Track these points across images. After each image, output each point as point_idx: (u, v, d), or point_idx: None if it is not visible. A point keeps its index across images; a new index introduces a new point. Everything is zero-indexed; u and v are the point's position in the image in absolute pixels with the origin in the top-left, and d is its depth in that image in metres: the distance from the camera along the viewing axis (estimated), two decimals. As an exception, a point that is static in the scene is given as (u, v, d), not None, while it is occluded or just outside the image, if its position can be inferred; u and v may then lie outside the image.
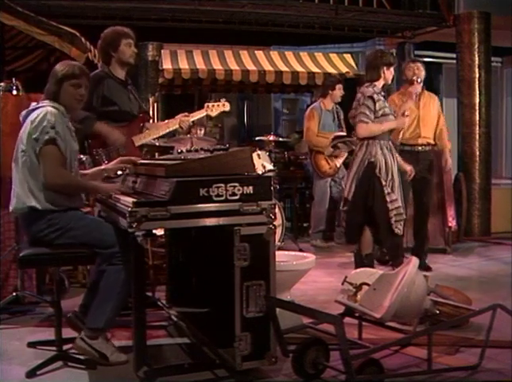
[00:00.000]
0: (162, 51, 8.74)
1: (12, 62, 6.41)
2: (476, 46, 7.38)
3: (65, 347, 3.16)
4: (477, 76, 7.40)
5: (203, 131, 7.25)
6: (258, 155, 5.78)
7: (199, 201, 2.71)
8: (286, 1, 7.40)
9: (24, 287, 4.19)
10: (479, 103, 7.41)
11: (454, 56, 7.81)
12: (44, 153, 3.01)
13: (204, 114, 4.41)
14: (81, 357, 3.11)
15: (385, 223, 4.52)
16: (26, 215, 3.09)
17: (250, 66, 8.68)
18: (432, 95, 5.60)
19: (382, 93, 4.70)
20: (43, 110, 3.06)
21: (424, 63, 5.59)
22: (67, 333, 3.21)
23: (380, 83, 4.71)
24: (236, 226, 2.75)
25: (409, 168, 4.90)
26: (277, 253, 3.03)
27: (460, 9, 7.68)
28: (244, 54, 8.95)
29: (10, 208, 3.16)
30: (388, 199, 4.50)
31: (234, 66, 8.64)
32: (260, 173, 5.47)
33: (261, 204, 2.79)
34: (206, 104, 4.43)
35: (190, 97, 9.36)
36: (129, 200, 2.75)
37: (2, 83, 4.48)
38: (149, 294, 4.12)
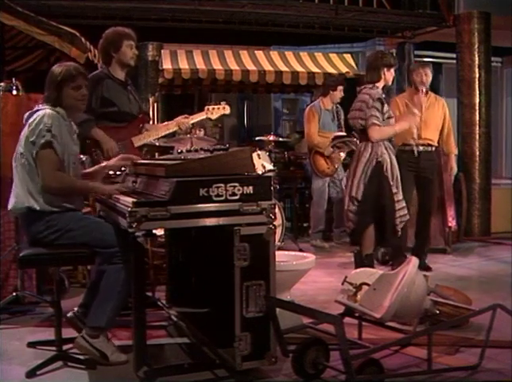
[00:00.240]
0: (162, 51, 8.74)
1: (12, 62, 6.41)
2: (476, 46, 7.37)
3: (65, 347, 3.16)
4: (477, 75, 7.40)
5: (202, 131, 7.25)
6: (258, 155, 5.77)
7: (199, 201, 2.71)
8: (286, 1, 7.40)
9: (24, 287, 4.18)
10: (479, 103, 7.41)
11: (454, 56, 7.81)
12: (40, 157, 3.02)
13: (204, 116, 4.41)
14: (81, 357, 3.11)
15: (392, 222, 4.56)
16: (25, 215, 3.09)
17: (250, 66, 8.69)
18: (438, 98, 5.57)
19: (383, 95, 4.71)
20: (41, 113, 3.07)
21: (425, 63, 5.59)
22: (67, 333, 3.21)
23: (380, 85, 4.72)
24: (236, 226, 2.75)
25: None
26: (277, 253, 3.03)
27: (460, 9, 7.68)
28: (244, 54, 8.95)
29: (9, 207, 3.16)
30: (395, 198, 4.56)
31: (234, 66, 8.64)
32: (260, 173, 5.47)
33: (261, 204, 2.79)
34: (206, 107, 4.43)
35: (190, 97, 9.37)
36: (129, 200, 2.75)
37: (2, 83, 4.48)
38: (149, 294, 4.12)
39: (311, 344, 2.97)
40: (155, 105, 8.20)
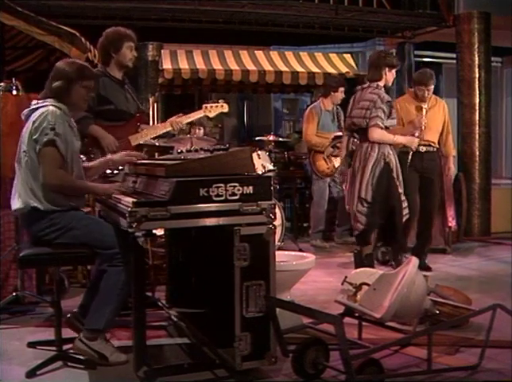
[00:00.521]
0: (162, 51, 8.73)
1: (12, 62, 6.41)
2: (476, 46, 7.37)
3: (65, 347, 3.16)
4: (477, 76, 7.39)
5: (202, 131, 7.25)
6: (258, 155, 5.77)
7: (199, 201, 2.71)
8: (286, 1, 7.39)
9: (24, 287, 4.18)
10: (479, 103, 7.41)
11: (454, 56, 7.81)
12: (43, 155, 3.02)
13: (202, 114, 4.40)
14: (81, 357, 3.10)
15: (400, 223, 4.60)
16: (27, 214, 3.09)
17: (250, 66, 8.69)
18: (439, 100, 5.57)
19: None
20: (44, 110, 3.06)
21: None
22: (67, 333, 3.21)
23: (381, 84, 4.72)
24: (236, 226, 2.75)
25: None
26: (277, 253, 3.03)
27: (460, 9, 7.67)
28: (244, 54, 8.95)
29: (12, 208, 3.16)
30: (402, 198, 4.61)
31: (234, 66, 8.64)
32: (260, 173, 5.47)
33: (261, 204, 2.79)
34: (204, 105, 4.41)
35: (190, 97, 9.36)
36: (129, 200, 2.75)
37: (2, 83, 4.48)
38: (149, 294, 4.12)
39: (311, 344, 2.97)
40: (155, 105, 8.19)
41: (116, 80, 4.07)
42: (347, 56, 9.32)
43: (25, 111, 3.17)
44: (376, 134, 4.55)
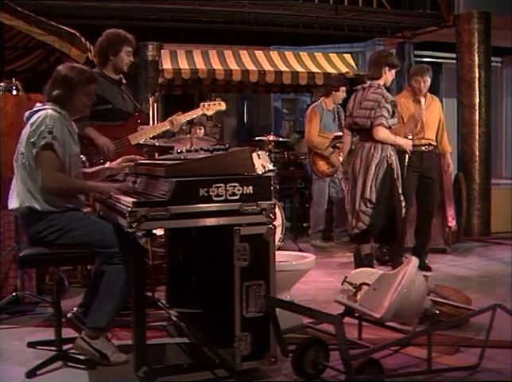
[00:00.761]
0: (162, 51, 8.73)
1: (12, 62, 6.41)
2: (476, 46, 7.37)
3: (65, 347, 3.16)
4: (477, 76, 7.39)
5: (203, 131, 7.24)
6: (258, 155, 5.77)
7: (199, 201, 2.71)
8: (286, 1, 7.40)
9: (24, 287, 4.18)
10: (479, 103, 7.41)
11: (454, 56, 7.81)
12: (40, 158, 3.02)
13: (200, 113, 4.40)
14: (81, 357, 3.10)
15: (400, 223, 4.64)
16: (26, 215, 3.09)
17: (250, 66, 8.68)
18: (434, 97, 5.60)
19: None
20: (43, 113, 3.06)
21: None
22: (67, 333, 3.21)
23: (381, 83, 4.72)
24: (236, 226, 2.75)
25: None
26: (277, 253, 3.03)
27: (460, 9, 7.68)
28: (244, 54, 8.95)
29: (9, 207, 3.16)
30: (401, 199, 4.64)
31: (234, 66, 8.64)
32: (260, 173, 5.47)
33: (261, 204, 2.79)
34: (202, 104, 4.42)
35: (190, 97, 9.35)
36: (129, 200, 2.75)
37: (2, 83, 4.48)
38: (149, 294, 4.12)
39: (311, 344, 2.97)
40: (155, 105, 8.18)
41: (113, 81, 4.07)
42: (347, 56, 9.31)
43: (27, 113, 3.17)
44: (382, 133, 4.56)
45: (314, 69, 8.79)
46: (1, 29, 5.40)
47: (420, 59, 9.17)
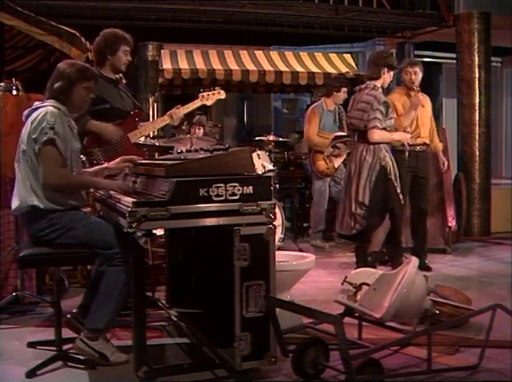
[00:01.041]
0: (162, 51, 8.74)
1: (12, 62, 6.41)
2: (476, 46, 7.37)
3: (65, 347, 3.16)
4: (477, 76, 7.39)
5: (202, 131, 7.25)
6: (258, 155, 5.77)
7: (199, 201, 2.71)
8: (286, 1, 7.40)
9: (24, 287, 4.18)
10: (479, 103, 7.41)
11: (454, 56, 7.81)
12: (42, 154, 3.01)
13: (199, 104, 4.36)
14: (81, 357, 3.10)
15: (400, 223, 4.73)
16: (28, 214, 3.09)
17: (250, 66, 8.69)
18: (426, 96, 5.58)
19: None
20: (43, 110, 3.06)
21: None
22: (67, 333, 3.22)
23: (379, 83, 4.74)
24: (236, 226, 2.75)
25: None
26: (277, 253, 3.03)
27: (460, 9, 7.68)
28: (244, 54, 8.96)
29: (12, 207, 3.16)
30: (401, 198, 4.68)
31: (234, 66, 8.64)
32: (260, 173, 5.47)
33: (261, 204, 2.79)
34: (200, 94, 4.37)
35: (190, 97, 9.33)
36: (129, 200, 2.75)
37: (2, 83, 4.47)
38: (149, 294, 4.12)
39: (311, 344, 2.97)
40: (155, 105, 8.18)
41: (110, 80, 4.06)
42: (347, 56, 9.32)
43: (26, 112, 3.17)
44: (376, 135, 4.60)
45: (314, 69, 8.80)
46: (1, 29, 5.40)
47: (420, 59, 9.12)
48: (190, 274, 3.69)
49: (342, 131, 6.58)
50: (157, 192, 2.82)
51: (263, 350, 2.83)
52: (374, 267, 4.19)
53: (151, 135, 4.60)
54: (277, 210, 4.31)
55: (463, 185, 7.16)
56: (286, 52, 9.21)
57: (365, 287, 3.16)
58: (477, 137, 7.43)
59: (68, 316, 3.30)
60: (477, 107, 7.42)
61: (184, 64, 8.54)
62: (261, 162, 5.75)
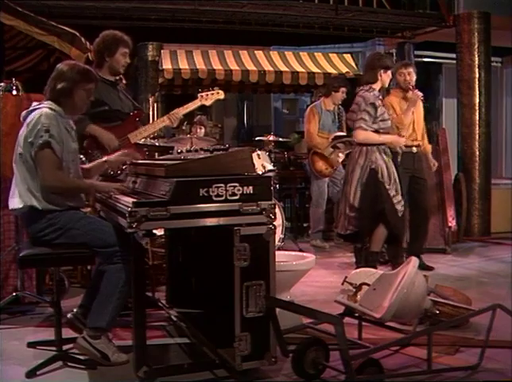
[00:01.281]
0: (162, 51, 8.74)
1: (12, 62, 6.40)
2: (476, 46, 7.37)
3: (65, 347, 3.16)
4: (477, 76, 7.39)
5: (203, 131, 7.25)
6: (258, 155, 5.77)
7: (199, 201, 2.71)
8: (286, 1, 7.40)
9: (24, 287, 4.19)
10: (479, 103, 7.41)
11: (454, 56, 7.81)
12: (39, 157, 3.02)
13: (198, 104, 4.37)
14: (81, 357, 3.10)
15: (399, 221, 4.70)
16: (27, 214, 3.09)
17: (250, 66, 8.69)
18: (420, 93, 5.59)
19: (380, 97, 4.76)
20: (38, 112, 3.06)
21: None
22: (67, 333, 3.22)
23: (377, 86, 4.77)
24: (236, 226, 2.75)
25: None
26: (277, 253, 3.03)
27: (460, 10, 7.68)
28: (244, 54, 8.96)
29: (10, 207, 3.16)
30: (395, 201, 4.66)
31: (234, 66, 8.64)
32: (260, 173, 5.47)
33: (261, 204, 2.79)
34: (199, 94, 4.37)
35: (190, 97, 9.34)
36: (129, 200, 2.75)
37: (2, 83, 4.47)
38: (149, 294, 4.12)
39: (311, 344, 2.97)
40: (155, 105, 8.20)
41: (108, 82, 4.06)
42: (347, 56, 9.32)
43: (23, 113, 3.17)
44: (360, 135, 4.66)
45: (314, 69, 8.79)
46: (1, 29, 5.39)
47: (420, 59, 9.17)
48: (190, 274, 3.69)
49: (341, 131, 6.59)
50: (157, 192, 2.82)
51: (263, 350, 2.83)
52: (374, 267, 4.19)
53: (151, 135, 4.60)
54: (277, 210, 4.31)
55: (463, 185, 7.16)
56: (286, 52, 9.21)
57: (365, 287, 3.16)
58: (477, 137, 7.43)
59: (69, 315, 3.31)
60: (477, 107, 7.42)
61: (184, 64, 8.54)
62: (261, 162, 5.75)
